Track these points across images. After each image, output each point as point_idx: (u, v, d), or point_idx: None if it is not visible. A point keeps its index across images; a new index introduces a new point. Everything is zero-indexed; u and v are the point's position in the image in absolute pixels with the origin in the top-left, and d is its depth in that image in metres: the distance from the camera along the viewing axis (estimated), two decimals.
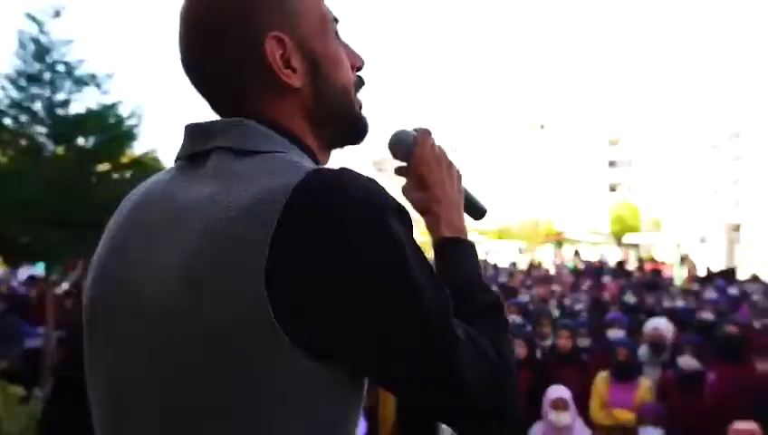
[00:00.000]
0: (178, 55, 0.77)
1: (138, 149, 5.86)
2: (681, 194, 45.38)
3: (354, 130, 0.80)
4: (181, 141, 0.74)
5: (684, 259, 18.34)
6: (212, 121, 0.71)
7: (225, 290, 0.58)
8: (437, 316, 0.61)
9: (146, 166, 5.68)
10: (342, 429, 0.63)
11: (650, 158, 49.92)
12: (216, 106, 0.76)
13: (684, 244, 25.76)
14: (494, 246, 27.06)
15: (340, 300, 0.58)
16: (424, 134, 0.84)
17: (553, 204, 44.92)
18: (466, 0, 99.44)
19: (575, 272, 13.77)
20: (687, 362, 3.86)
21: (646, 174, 49.67)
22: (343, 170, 0.62)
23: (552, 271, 14.55)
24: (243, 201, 0.60)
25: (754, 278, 11.48)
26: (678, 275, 13.48)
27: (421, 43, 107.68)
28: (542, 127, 57.02)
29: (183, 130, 0.74)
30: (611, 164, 53.20)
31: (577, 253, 24.11)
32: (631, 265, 15.77)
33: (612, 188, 51.91)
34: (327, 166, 0.73)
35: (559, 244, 28.67)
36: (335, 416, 0.62)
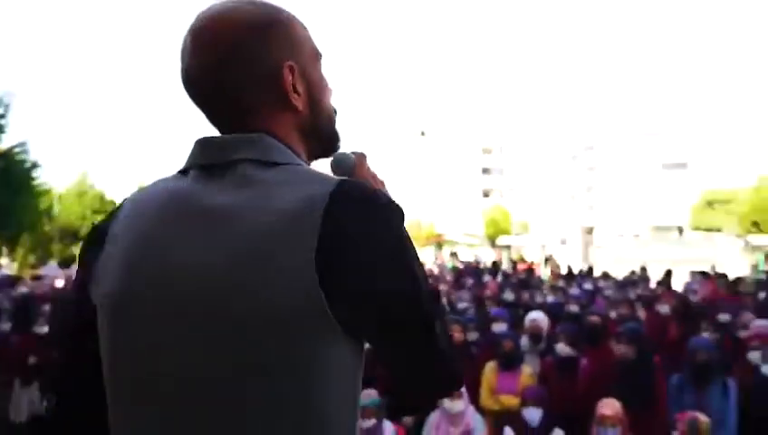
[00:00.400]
0: (181, 68, 0.82)
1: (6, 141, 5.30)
2: (545, 199, 49.79)
3: (332, 146, 0.93)
4: (192, 153, 0.80)
5: (548, 259, 20.24)
6: (228, 137, 0.79)
7: (279, 282, 0.67)
8: (429, 297, 0.77)
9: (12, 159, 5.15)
10: (358, 390, 0.76)
11: (519, 166, 54.16)
12: (216, 119, 0.83)
13: (548, 245, 28.39)
14: None
15: (373, 281, 0.70)
16: (361, 157, 0.97)
17: (433, 207, 46.99)
18: (344, 7, 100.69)
19: (455, 271, 14.62)
20: (563, 349, 4.36)
21: (515, 181, 53.79)
22: (364, 182, 0.77)
23: (435, 271, 15.31)
24: (285, 206, 0.70)
25: (605, 275, 13.02)
26: (544, 274, 14.87)
27: None
28: (422, 134, 59.41)
29: (195, 143, 0.81)
30: (485, 171, 56.85)
31: (455, 254, 25.62)
32: (504, 265, 17.05)
33: (486, 194, 55.50)
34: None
35: (439, 245, 30.15)
36: (356, 380, 0.75)
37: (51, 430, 0.83)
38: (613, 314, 5.97)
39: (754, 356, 4.23)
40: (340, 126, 0.94)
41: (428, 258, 24.48)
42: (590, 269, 12.98)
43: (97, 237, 0.81)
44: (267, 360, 0.67)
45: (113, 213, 0.83)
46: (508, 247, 30.00)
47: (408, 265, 0.75)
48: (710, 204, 37.84)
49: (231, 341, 0.68)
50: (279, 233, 0.69)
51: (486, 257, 21.96)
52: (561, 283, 9.95)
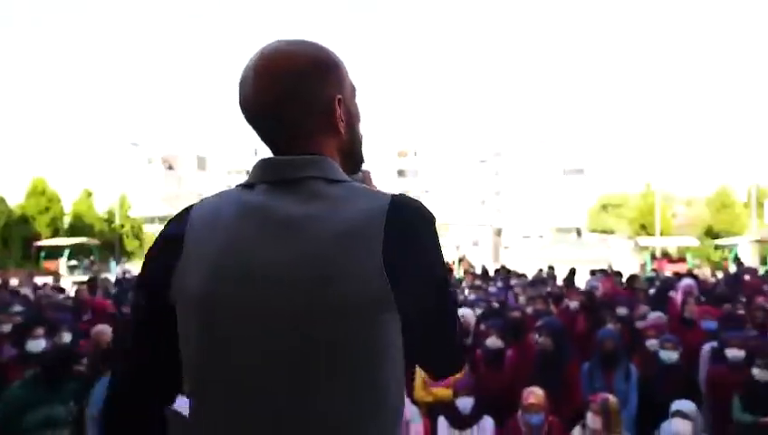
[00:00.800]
0: (242, 95, 0.97)
1: None
2: (458, 202, 51.64)
3: (360, 165, 1.11)
4: (257, 170, 0.94)
5: (462, 259, 21.16)
6: (297, 157, 0.93)
7: (358, 275, 0.83)
8: (453, 287, 0.98)
9: None
10: (403, 369, 0.92)
11: (434, 169, 55.74)
12: (273, 140, 0.98)
13: (462, 246, 29.59)
14: None
15: (421, 274, 0.89)
16: (368, 173, 1.15)
17: None
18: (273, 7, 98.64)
19: None
20: (494, 342, 4.71)
21: (430, 183, 55.29)
22: (408, 196, 0.94)
23: None
24: (352, 215, 0.86)
25: (518, 274, 13.90)
26: (458, 274, 15.58)
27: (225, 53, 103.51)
28: None
29: (261, 162, 0.95)
30: (400, 173, 57.96)
31: None
32: None
33: None
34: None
35: None
36: (402, 360, 0.91)
37: (114, 420, 0.92)
38: (529, 310, 6.47)
39: (652, 344, 4.81)
40: None
41: None
42: (505, 268, 13.77)
43: (171, 243, 0.91)
44: (347, 339, 0.82)
45: (179, 221, 0.94)
46: None
47: (443, 262, 0.95)
48: (604, 208, 41.08)
49: (316, 325, 0.82)
50: (350, 237, 0.84)
51: None
52: (478, 282, 10.52)
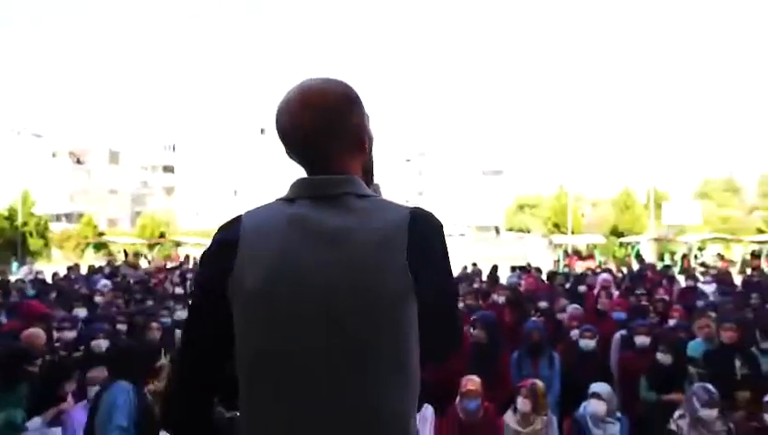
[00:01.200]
0: (281, 123, 1.15)
1: None
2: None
3: (372, 179, 1.30)
4: (298, 187, 1.12)
5: None
6: (335, 177, 1.12)
7: (390, 273, 1.02)
8: (455, 281, 1.19)
9: None
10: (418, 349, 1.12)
11: None
12: (309, 162, 1.16)
13: None
14: None
15: (433, 270, 1.09)
16: (377, 187, 1.34)
17: None
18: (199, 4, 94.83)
19: None
20: None
21: None
22: (422, 208, 1.14)
23: None
24: (381, 225, 1.06)
25: None
26: None
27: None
28: (262, 131, 58.37)
29: (301, 180, 1.13)
30: None
31: None
32: None
33: None
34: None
35: None
36: (417, 341, 1.10)
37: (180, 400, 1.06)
38: (461, 305, 6.85)
39: (574, 334, 5.30)
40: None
41: None
42: None
43: (226, 248, 1.07)
44: (384, 325, 1.02)
45: (231, 228, 1.10)
46: None
47: (449, 259, 1.16)
48: (521, 207, 43.11)
49: (360, 314, 1.01)
50: (381, 244, 1.04)
51: None
52: None
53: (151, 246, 32.29)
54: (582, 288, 8.42)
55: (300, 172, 1.21)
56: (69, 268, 14.18)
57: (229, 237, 1.08)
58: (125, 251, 29.72)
